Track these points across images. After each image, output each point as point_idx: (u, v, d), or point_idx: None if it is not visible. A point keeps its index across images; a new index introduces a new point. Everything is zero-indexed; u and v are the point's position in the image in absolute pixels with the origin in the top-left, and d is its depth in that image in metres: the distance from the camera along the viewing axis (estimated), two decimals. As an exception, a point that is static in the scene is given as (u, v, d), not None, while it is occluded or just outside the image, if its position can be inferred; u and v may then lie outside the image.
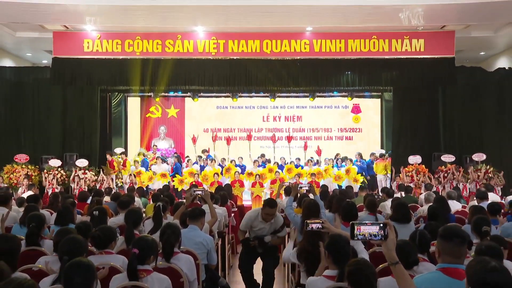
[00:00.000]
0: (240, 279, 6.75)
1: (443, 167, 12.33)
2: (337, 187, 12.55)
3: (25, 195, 8.93)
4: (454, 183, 11.85)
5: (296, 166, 13.75)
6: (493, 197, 8.71)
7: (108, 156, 13.12)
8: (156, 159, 14.11)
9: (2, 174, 12.27)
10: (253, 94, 15.82)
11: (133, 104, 16.89)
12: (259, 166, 13.61)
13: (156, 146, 15.89)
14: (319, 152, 15.08)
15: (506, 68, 13.45)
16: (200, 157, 14.51)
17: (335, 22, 12.07)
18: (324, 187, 9.99)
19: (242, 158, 14.56)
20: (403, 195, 9.55)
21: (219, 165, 14.15)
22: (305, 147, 15.61)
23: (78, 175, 12.18)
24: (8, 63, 14.34)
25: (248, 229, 5.76)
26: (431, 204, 6.51)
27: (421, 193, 10.10)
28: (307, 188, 6.57)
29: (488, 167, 11.99)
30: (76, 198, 8.61)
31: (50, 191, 11.49)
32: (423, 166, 12.51)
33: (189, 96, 15.79)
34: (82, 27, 12.52)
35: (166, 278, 3.57)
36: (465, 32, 12.56)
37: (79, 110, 13.56)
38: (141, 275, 3.44)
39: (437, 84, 13.34)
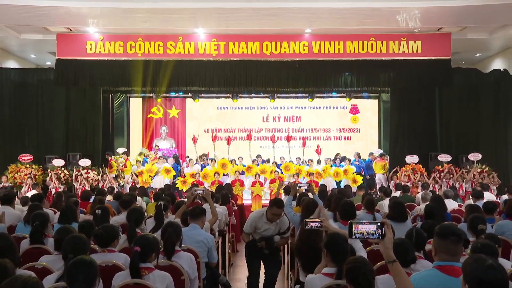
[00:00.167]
0: (240, 277, 6.94)
1: (439, 166, 12.47)
2: (336, 187, 12.69)
3: (29, 194, 9.06)
4: (451, 182, 11.93)
5: (296, 166, 13.90)
6: (488, 196, 8.82)
7: (107, 156, 13.33)
8: (158, 159, 14.28)
9: (6, 173, 12.36)
10: (253, 95, 15.96)
11: (135, 104, 17.01)
12: (257, 166, 13.75)
13: (158, 146, 16.03)
14: (318, 151, 15.22)
15: (501, 70, 13.55)
16: (201, 157, 14.72)
17: (333, 24, 12.15)
18: (323, 187, 10.09)
19: (242, 158, 14.71)
20: (401, 194, 9.60)
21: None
22: (304, 144, 15.77)
23: (81, 175, 12.31)
24: (12, 64, 14.46)
25: (253, 231, 5.48)
26: (428, 203, 6.59)
27: (418, 192, 10.17)
28: (306, 187, 6.71)
29: (483, 166, 12.13)
30: (79, 197, 8.73)
31: (53, 190, 11.58)
32: (420, 165, 12.66)
33: (190, 97, 15.93)
34: (85, 29, 12.65)
35: (167, 275, 3.58)
36: (461, 34, 12.68)
37: (82, 110, 13.72)
38: (143, 273, 3.46)
39: (434, 85, 13.48)
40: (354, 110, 17.00)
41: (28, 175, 12.17)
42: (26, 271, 3.30)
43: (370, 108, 16.98)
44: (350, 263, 2.91)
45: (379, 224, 2.52)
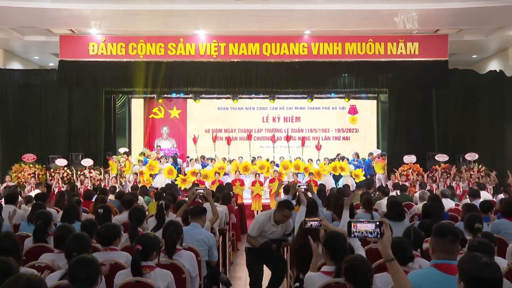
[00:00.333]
0: (240, 275, 6.99)
1: (437, 166, 12.57)
2: (335, 186, 12.82)
3: (32, 194, 9.14)
4: (448, 181, 11.97)
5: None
6: (485, 195, 8.84)
7: (107, 157, 13.49)
8: (160, 159, 14.44)
9: (10, 173, 12.50)
10: (253, 95, 16.10)
11: (137, 105, 17.15)
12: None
13: (160, 146, 16.17)
14: (318, 147, 15.36)
15: (497, 71, 13.62)
16: (201, 157, 14.89)
17: (332, 26, 12.27)
18: (322, 186, 10.05)
19: (242, 157, 14.85)
20: (399, 193, 9.68)
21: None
22: (303, 143, 15.91)
23: (83, 174, 12.44)
24: (16, 66, 14.60)
25: (259, 234, 5.25)
26: (426, 202, 6.63)
27: (416, 192, 10.20)
28: (305, 187, 6.66)
29: (480, 166, 12.23)
30: (82, 196, 8.76)
31: (56, 190, 11.65)
32: (418, 165, 12.77)
33: (191, 98, 16.03)
34: (87, 31, 12.79)
35: (168, 273, 3.60)
36: (457, 36, 12.81)
37: (84, 111, 13.84)
38: (144, 271, 3.47)
39: (431, 86, 13.59)
40: (353, 110, 17.15)
41: (32, 175, 12.30)
42: (29, 269, 3.36)
43: (368, 109, 17.12)
44: (348, 261, 2.93)
45: (377, 223, 2.55)
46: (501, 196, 9.01)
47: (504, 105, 13.26)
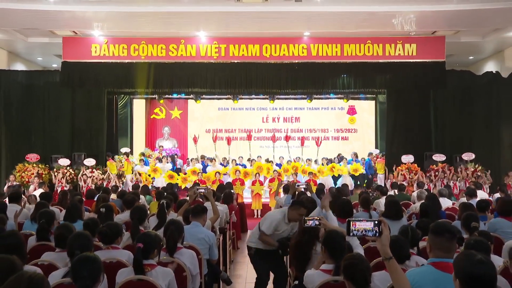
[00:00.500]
0: (240, 273, 7.09)
1: (434, 166, 12.71)
2: (333, 186, 12.95)
3: (36, 193, 9.28)
4: (445, 181, 12.11)
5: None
6: (481, 194, 8.90)
7: (107, 157, 13.64)
8: (162, 158, 14.56)
9: (14, 172, 12.62)
10: (253, 96, 16.21)
11: (138, 105, 17.30)
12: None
13: (162, 146, 16.33)
14: (318, 144, 15.52)
15: (494, 72, 13.70)
16: (202, 156, 15.04)
17: (331, 28, 12.34)
18: (321, 185, 10.21)
19: (242, 157, 15.00)
20: (397, 193, 9.80)
21: (221, 164, 14.62)
22: (302, 143, 16.05)
23: (86, 174, 12.57)
24: (20, 67, 14.68)
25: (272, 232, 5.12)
26: (423, 201, 6.70)
27: (414, 191, 10.33)
28: (304, 186, 6.86)
29: (477, 166, 12.36)
30: (84, 195, 8.83)
31: (59, 189, 11.75)
32: (416, 165, 12.89)
33: (191, 98, 16.15)
34: (90, 33, 12.85)
35: (169, 271, 3.64)
36: (454, 38, 12.89)
37: (87, 111, 13.90)
38: (146, 270, 3.50)
39: (429, 87, 13.66)
40: (352, 111, 17.29)
41: (35, 174, 12.43)
42: (32, 267, 3.41)
43: (367, 109, 17.27)
44: (347, 259, 2.97)
45: (376, 222, 2.56)
46: (497, 195, 9.13)
47: (500, 105, 13.32)
